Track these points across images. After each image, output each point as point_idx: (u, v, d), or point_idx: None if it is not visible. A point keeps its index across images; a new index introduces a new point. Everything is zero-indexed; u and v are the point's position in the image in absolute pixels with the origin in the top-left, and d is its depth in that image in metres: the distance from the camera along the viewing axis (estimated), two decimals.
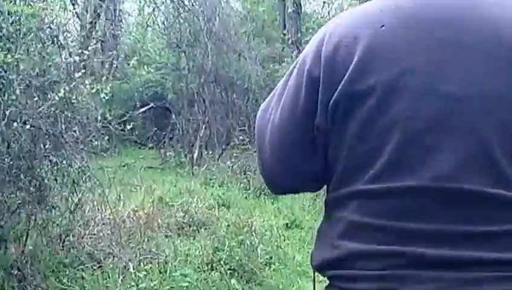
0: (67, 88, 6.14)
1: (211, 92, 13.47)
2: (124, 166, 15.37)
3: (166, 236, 7.47)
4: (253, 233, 7.36)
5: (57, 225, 7.04)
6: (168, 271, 5.96)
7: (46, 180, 6.62)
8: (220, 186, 10.99)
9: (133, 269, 5.79)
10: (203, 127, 13.17)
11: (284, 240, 7.89)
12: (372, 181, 1.31)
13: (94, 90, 6.49)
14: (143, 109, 18.66)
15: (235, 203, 9.94)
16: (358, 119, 1.31)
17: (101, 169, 15.13)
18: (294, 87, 1.44)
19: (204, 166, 12.14)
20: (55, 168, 6.69)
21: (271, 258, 6.86)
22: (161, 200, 9.88)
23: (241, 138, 12.04)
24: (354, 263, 1.33)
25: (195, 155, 12.99)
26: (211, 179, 11.30)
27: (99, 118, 7.06)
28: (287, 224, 9.06)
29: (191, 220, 8.26)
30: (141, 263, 6.10)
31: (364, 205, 1.33)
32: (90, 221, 7.41)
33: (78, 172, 6.59)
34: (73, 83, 6.23)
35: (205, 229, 7.93)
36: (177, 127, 14.29)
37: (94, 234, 7.15)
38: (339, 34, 1.37)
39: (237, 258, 6.46)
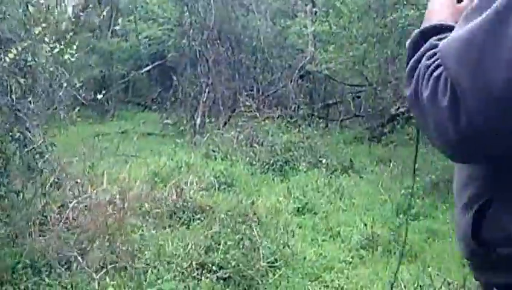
0: (19, 48, 4.95)
1: (215, 51, 12.16)
2: (123, 132, 14.28)
3: (153, 228, 6.31)
4: (255, 226, 6.17)
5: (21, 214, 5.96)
6: (144, 283, 4.83)
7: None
8: (222, 159, 9.81)
9: (99, 282, 4.65)
10: (207, 90, 11.93)
11: (293, 233, 6.68)
12: None
13: (57, 51, 5.24)
14: (146, 69, 17.46)
15: (239, 181, 8.77)
16: None
17: (97, 136, 14.13)
18: None
19: (207, 135, 10.94)
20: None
21: (276, 260, 5.69)
22: (155, 176, 8.76)
23: (247, 103, 10.79)
24: None
25: (198, 122, 11.80)
26: (213, 151, 10.11)
27: (64, 84, 5.74)
28: (298, 208, 7.89)
29: (184, 205, 7.10)
30: (112, 272, 4.97)
31: None
32: (62, 210, 6.28)
33: (35, 152, 5.45)
34: (29, 42, 5.01)
35: (200, 218, 6.76)
36: (178, 90, 13.07)
37: (66, 225, 6.04)
38: None
39: (234, 261, 5.31)
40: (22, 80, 4.92)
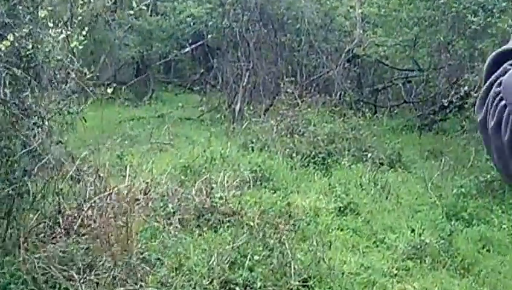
0: (18, 34, 4.33)
1: (257, 33, 11.42)
2: (159, 117, 13.72)
3: (176, 232, 5.68)
4: (288, 236, 5.48)
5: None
6: None
7: None
8: (260, 151, 9.11)
9: None
10: (247, 74, 11.22)
11: (330, 244, 5.98)
12: None
13: (62, 37, 4.61)
14: (188, 49, 16.81)
15: (276, 176, 8.09)
16: None
17: (133, 120, 13.60)
18: None
19: (245, 124, 10.25)
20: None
21: (309, 278, 5.01)
22: (186, 169, 8.15)
23: (289, 90, 10.03)
24: None
25: (237, 108, 11.12)
26: (251, 142, 9.42)
27: (72, 75, 5.11)
28: (339, 208, 7.18)
29: (213, 205, 6.47)
30: None
31: None
32: (74, 212, 5.70)
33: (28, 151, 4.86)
34: (29, 27, 4.39)
35: (229, 221, 6.11)
36: (218, 73, 12.40)
37: (77, 231, 5.46)
38: None
39: (260, 280, 4.66)
40: (18, 72, 4.30)
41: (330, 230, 6.57)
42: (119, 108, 14.91)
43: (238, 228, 5.63)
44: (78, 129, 12.42)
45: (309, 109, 10.03)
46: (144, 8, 16.38)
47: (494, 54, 1.27)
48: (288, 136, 9.26)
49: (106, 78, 17.53)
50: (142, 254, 5.02)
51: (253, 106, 10.98)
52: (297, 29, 11.72)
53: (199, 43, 15.97)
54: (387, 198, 7.50)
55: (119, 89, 18.42)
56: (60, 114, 5.05)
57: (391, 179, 8.17)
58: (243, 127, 10.16)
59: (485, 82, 1.26)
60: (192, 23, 15.05)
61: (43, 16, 4.49)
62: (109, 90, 6.50)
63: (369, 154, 8.51)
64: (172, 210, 6.20)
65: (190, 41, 16.25)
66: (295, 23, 11.74)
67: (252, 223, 5.59)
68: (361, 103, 12.15)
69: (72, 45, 4.83)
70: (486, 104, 1.23)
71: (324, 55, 11.86)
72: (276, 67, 11.62)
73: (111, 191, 6.72)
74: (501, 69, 1.25)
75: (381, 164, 8.65)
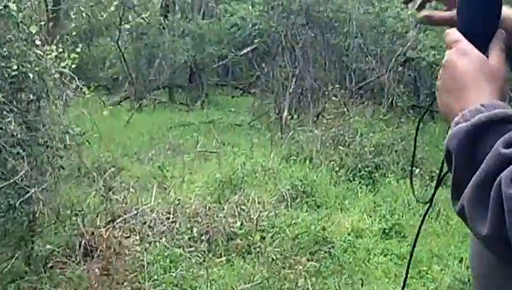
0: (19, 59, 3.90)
1: (303, 37, 10.79)
2: (210, 122, 13.28)
3: (193, 263, 5.17)
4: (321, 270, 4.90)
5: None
6: None
7: None
8: (304, 162, 8.52)
9: None
10: (293, 80, 10.62)
11: (373, 268, 5.36)
12: None
13: (56, 54, 4.14)
14: (244, 51, 16.28)
15: (319, 191, 7.50)
16: None
17: (183, 126, 13.19)
18: None
19: (290, 133, 9.65)
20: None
21: None
22: (223, 184, 7.63)
23: (334, 98, 9.37)
24: None
25: (284, 116, 10.54)
26: (295, 154, 8.84)
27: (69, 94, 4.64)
28: (384, 230, 6.54)
29: (245, 224, 5.95)
30: None
31: None
32: (91, 239, 5.25)
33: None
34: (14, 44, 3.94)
35: (259, 248, 5.56)
36: (268, 78, 11.85)
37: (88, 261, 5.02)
38: None
39: None
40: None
41: (372, 255, 5.96)
42: (171, 113, 14.59)
43: (259, 259, 5.07)
44: (127, 135, 12.18)
45: (356, 118, 9.35)
46: (195, 12, 16.12)
47: (456, 131, 0.96)
48: (334, 147, 8.62)
49: (161, 82, 17.30)
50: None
51: (300, 114, 10.38)
52: (346, 32, 11.05)
53: (253, 46, 15.47)
54: (436, 219, 6.79)
55: (174, 92, 18.24)
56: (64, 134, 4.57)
57: (442, 196, 7.42)
58: (288, 136, 9.57)
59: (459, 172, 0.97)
60: (243, 26, 14.58)
61: (34, 32, 4.05)
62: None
63: (418, 170, 7.75)
64: (196, 235, 5.71)
65: (246, 43, 15.76)
66: (344, 25, 11.07)
67: (275, 255, 5.01)
68: (414, 110, 11.35)
69: (63, 64, 4.35)
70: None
71: (375, 59, 11.13)
72: (324, 72, 10.96)
73: (137, 211, 6.32)
74: (500, 157, 0.90)
75: (432, 178, 7.89)
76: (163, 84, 17.24)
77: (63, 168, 5.80)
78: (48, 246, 5.21)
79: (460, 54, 1.06)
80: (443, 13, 1.19)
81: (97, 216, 6.13)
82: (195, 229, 5.72)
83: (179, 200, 6.73)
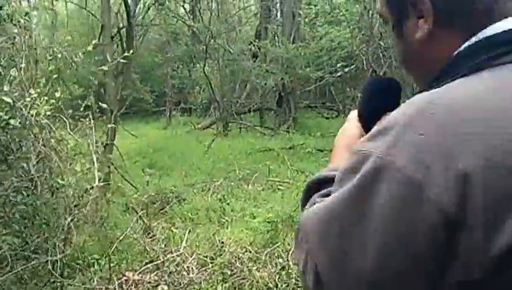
0: None
1: (387, 61, 9.61)
2: (290, 148, 12.28)
3: None
4: None
5: None
6: None
7: None
8: None
9: None
10: None
11: None
12: None
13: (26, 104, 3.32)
14: (340, 73, 15.24)
15: None
16: None
17: (262, 152, 12.28)
18: (398, 227, 0.89)
19: None
20: None
21: None
22: (282, 223, 6.62)
23: None
24: None
25: None
26: None
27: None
28: None
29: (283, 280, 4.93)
30: None
31: None
32: None
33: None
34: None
35: None
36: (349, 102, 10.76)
37: None
38: (481, 144, 0.86)
39: None
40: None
41: None
42: (254, 138, 13.73)
43: None
44: (205, 162, 11.36)
45: None
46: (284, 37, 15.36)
47: (307, 182, 1.24)
48: None
49: (252, 106, 16.65)
50: None
51: None
52: None
53: (346, 70, 14.44)
54: None
55: (266, 116, 17.50)
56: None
57: None
58: None
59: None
60: (332, 49, 13.64)
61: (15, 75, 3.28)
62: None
63: None
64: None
65: (338, 64, 14.80)
66: None
67: None
68: None
69: (41, 110, 3.52)
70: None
71: None
72: (406, 97, 9.70)
73: (173, 255, 5.47)
74: (308, 203, 1.16)
75: None
76: (254, 108, 16.59)
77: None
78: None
79: (343, 128, 1.42)
80: None
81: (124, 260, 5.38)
82: (227, 284, 4.77)
83: (222, 243, 5.84)
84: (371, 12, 10.14)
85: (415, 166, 0.87)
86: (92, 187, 4.74)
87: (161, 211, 7.85)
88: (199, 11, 16.17)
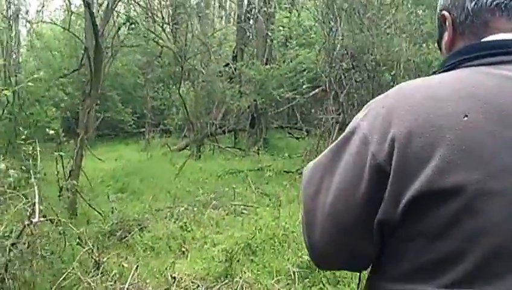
0: None
1: (347, 82, 9.53)
2: (259, 170, 12.11)
3: None
4: None
5: None
6: None
7: None
8: None
9: None
10: (336, 128, 9.36)
11: None
12: (451, 286, 1.12)
13: None
14: (312, 93, 15.13)
15: None
16: (442, 218, 1.12)
17: (231, 174, 12.12)
18: (352, 171, 1.23)
19: None
20: None
21: None
22: (238, 252, 6.44)
23: None
24: None
25: None
26: None
27: None
28: None
29: None
30: None
31: None
32: None
33: None
34: None
35: None
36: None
37: None
38: (410, 119, 1.17)
39: None
40: None
41: None
42: (225, 160, 13.60)
43: None
44: (176, 185, 11.16)
45: None
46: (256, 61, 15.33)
47: None
48: None
49: (227, 127, 16.55)
50: None
51: None
52: (393, 76, 9.66)
53: (315, 91, 14.36)
54: None
55: (239, 136, 17.36)
56: None
57: None
58: None
59: None
60: (300, 71, 13.60)
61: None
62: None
63: None
64: None
65: (306, 86, 14.73)
66: (391, 69, 9.70)
67: None
68: None
69: None
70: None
71: None
72: None
73: None
74: None
75: None
76: (229, 129, 16.48)
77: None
78: None
79: None
80: None
81: None
82: None
83: (174, 278, 5.67)
84: (334, 34, 10.10)
85: (369, 129, 1.19)
86: (31, 223, 4.57)
87: (123, 240, 7.66)
88: (176, 31, 16.09)
